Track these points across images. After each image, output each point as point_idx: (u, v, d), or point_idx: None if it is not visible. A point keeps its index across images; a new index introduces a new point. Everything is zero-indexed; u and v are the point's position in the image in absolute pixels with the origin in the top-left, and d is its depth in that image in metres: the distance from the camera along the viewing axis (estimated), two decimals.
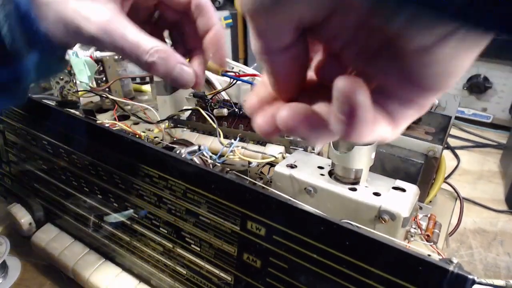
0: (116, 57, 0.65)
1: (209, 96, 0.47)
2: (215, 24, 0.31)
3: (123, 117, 0.59)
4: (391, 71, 0.17)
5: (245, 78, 0.48)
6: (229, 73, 0.46)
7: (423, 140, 0.38)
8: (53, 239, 0.43)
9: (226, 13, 0.96)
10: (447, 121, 0.36)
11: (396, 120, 0.18)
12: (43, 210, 0.46)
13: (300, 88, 0.20)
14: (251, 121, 0.20)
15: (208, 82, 0.50)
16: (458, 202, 0.43)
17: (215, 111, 0.45)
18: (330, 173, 0.33)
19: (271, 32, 0.17)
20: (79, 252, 0.41)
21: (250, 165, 0.39)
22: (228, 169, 0.40)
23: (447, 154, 0.70)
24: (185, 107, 0.49)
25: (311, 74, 0.21)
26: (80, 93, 0.60)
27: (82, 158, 0.38)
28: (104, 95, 0.59)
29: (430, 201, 0.42)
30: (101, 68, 0.64)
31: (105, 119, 0.53)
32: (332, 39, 0.18)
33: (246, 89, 0.56)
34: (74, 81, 0.58)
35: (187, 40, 0.33)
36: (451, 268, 0.20)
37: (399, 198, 0.30)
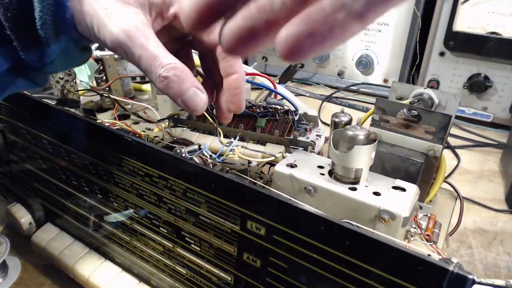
0: (116, 56, 0.65)
1: None
2: (237, 72, 0.31)
3: (123, 116, 0.59)
4: None
5: (245, 77, 0.48)
6: None
7: (423, 139, 0.38)
8: (53, 239, 0.43)
9: None
10: (447, 120, 0.36)
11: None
12: (43, 209, 0.46)
13: None
14: None
15: None
16: (458, 201, 0.43)
17: (215, 110, 0.45)
18: (330, 173, 0.33)
19: None
20: (79, 252, 0.41)
21: (250, 165, 0.39)
22: (228, 168, 0.40)
23: (447, 153, 0.69)
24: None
25: None
26: (80, 92, 0.60)
27: (82, 158, 0.38)
28: (105, 94, 0.59)
29: (430, 201, 0.42)
30: (101, 67, 0.64)
31: (105, 119, 0.53)
32: None
33: (246, 89, 0.56)
34: (74, 80, 0.58)
35: (215, 74, 0.32)
36: (451, 268, 0.20)
37: (399, 198, 0.30)
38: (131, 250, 0.38)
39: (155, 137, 0.47)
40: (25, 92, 0.42)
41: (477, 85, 0.77)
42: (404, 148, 0.39)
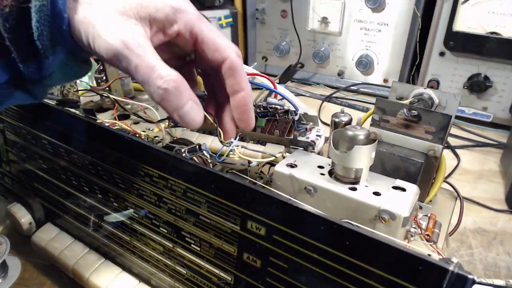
0: None
1: None
2: (244, 89, 0.30)
3: (123, 117, 0.59)
4: None
5: None
6: None
7: (423, 139, 0.38)
8: (53, 239, 0.43)
9: (226, 12, 0.96)
10: (447, 120, 0.36)
11: None
12: (43, 209, 0.46)
13: None
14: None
15: None
16: (458, 201, 0.43)
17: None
18: (330, 173, 0.33)
19: None
20: (79, 252, 0.41)
21: (250, 165, 0.39)
22: (228, 168, 0.40)
23: (447, 153, 0.69)
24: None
25: None
26: (80, 92, 0.60)
27: (82, 158, 0.38)
28: (104, 94, 0.59)
29: (430, 201, 0.42)
30: (101, 67, 0.64)
31: (105, 119, 0.53)
32: None
33: None
34: (74, 81, 0.58)
35: (218, 93, 0.32)
36: (451, 268, 0.20)
37: (399, 198, 0.30)
38: (131, 250, 0.38)
39: (155, 137, 0.47)
40: None
41: (477, 85, 0.77)
42: (404, 148, 0.39)
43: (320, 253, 0.25)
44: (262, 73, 0.53)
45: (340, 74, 0.97)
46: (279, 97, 0.51)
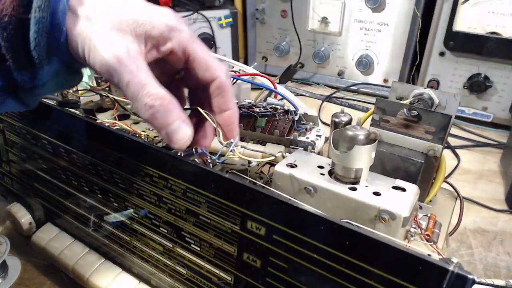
0: None
1: None
2: (231, 108, 0.32)
3: (123, 116, 0.59)
4: None
5: (245, 77, 0.48)
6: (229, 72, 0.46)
7: (423, 139, 0.38)
8: (53, 239, 0.43)
9: (226, 12, 0.96)
10: (447, 120, 0.36)
11: None
12: (43, 209, 0.46)
13: None
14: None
15: None
16: (458, 201, 0.43)
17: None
18: (330, 173, 0.33)
19: None
20: (79, 252, 0.41)
21: (250, 165, 0.39)
22: (228, 168, 0.40)
23: (447, 153, 0.69)
24: (184, 107, 0.49)
25: None
26: (80, 92, 0.60)
27: (82, 158, 0.38)
28: (104, 94, 0.59)
29: (430, 201, 0.42)
30: None
31: (105, 118, 0.53)
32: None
33: (246, 88, 0.56)
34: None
35: (204, 108, 0.33)
36: (451, 268, 0.20)
37: (399, 198, 0.30)
38: (131, 250, 0.38)
39: (155, 137, 0.47)
40: None
41: (477, 85, 0.77)
42: (404, 148, 0.39)
43: (320, 253, 0.25)
44: (262, 73, 0.53)
45: (340, 74, 0.97)
46: (279, 97, 0.51)
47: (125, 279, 0.39)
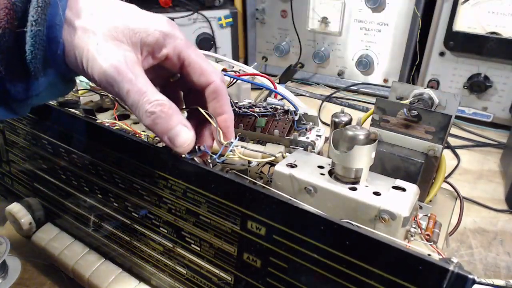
0: None
1: None
2: (226, 112, 0.32)
3: (123, 116, 0.59)
4: None
5: (245, 77, 0.48)
6: (229, 72, 0.46)
7: (423, 139, 0.38)
8: (53, 239, 0.43)
9: (226, 12, 0.96)
10: (447, 120, 0.36)
11: None
12: (43, 209, 0.46)
13: None
14: None
15: None
16: (458, 201, 0.43)
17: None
18: (330, 173, 0.33)
19: None
20: (79, 252, 0.41)
21: (250, 165, 0.39)
22: (228, 168, 0.40)
23: (447, 153, 0.69)
24: (184, 106, 0.49)
25: None
26: (80, 92, 0.60)
27: (82, 158, 0.38)
28: (104, 94, 0.59)
29: (430, 201, 0.42)
30: None
31: (105, 118, 0.53)
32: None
33: (246, 88, 0.56)
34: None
35: (200, 114, 0.33)
36: (451, 267, 0.20)
37: (399, 198, 0.30)
38: (131, 250, 0.38)
39: (155, 137, 0.47)
40: None
41: (477, 85, 0.77)
42: (404, 148, 0.39)
43: (320, 253, 0.25)
44: (262, 73, 0.53)
45: (340, 74, 0.97)
46: (279, 97, 0.51)
47: (125, 279, 0.39)
